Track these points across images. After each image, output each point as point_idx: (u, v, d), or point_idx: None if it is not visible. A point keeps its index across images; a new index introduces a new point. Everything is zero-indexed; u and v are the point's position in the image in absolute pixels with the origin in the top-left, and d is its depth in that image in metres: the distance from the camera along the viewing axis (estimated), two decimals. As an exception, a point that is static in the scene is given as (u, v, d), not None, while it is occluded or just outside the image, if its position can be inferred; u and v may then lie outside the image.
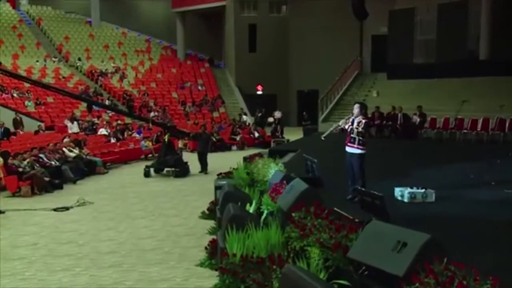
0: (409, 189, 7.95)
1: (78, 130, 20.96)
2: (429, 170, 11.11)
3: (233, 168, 11.89)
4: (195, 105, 33.00)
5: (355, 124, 8.10)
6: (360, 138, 7.99)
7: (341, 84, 28.45)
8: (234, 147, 23.69)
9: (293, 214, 6.19)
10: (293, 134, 24.65)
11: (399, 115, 19.58)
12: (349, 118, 8.32)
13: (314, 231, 5.51)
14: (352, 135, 8.06)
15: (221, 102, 34.45)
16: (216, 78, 38.96)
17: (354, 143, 8.04)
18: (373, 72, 30.12)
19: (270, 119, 34.51)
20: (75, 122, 21.39)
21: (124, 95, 32.62)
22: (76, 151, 15.85)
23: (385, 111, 20.59)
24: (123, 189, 13.62)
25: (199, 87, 36.64)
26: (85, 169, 15.34)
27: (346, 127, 8.19)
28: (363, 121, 8.08)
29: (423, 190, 7.95)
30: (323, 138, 8.70)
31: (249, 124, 28.36)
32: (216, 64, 42.01)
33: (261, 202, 7.83)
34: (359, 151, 8.04)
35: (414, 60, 26.01)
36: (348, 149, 8.15)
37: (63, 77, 33.73)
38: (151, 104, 31.76)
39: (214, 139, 23.10)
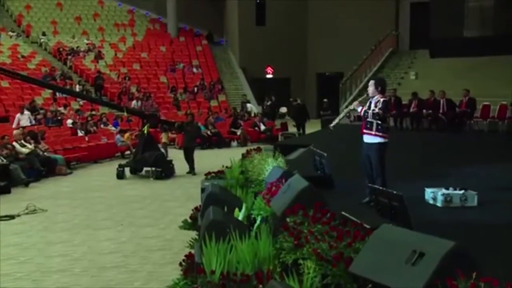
0: (443, 191, 7.76)
1: (29, 123, 20.81)
2: (473, 169, 10.90)
3: (226, 167, 11.84)
4: (188, 92, 32.99)
5: (372, 105, 7.87)
6: (378, 122, 7.77)
7: (370, 64, 28.29)
8: (234, 143, 23.64)
9: (288, 219, 6.10)
10: (309, 126, 24.49)
11: (442, 101, 19.31)
12: (365, 100, 8.11)
13: (310, 239, 5.38)
14: (368, 119, 7.85)
15: (221, 87, 34.38)
16: (215, 58, 39.04)
17: (371, 129, 7.86)
18: (411, 49, 29.98)
19: (283, 109, 34.55)
20: (26, 113, 21.27)
21: (98, 75, 32.59)
22: (31, 146, 15.78)
23: (425, 97, 20.33)
24: (87, 194, 13.62)
25: (194, 70, 36.69)
26: (41, 169, 15.28)
27: (359, 110, 7.97)
28: (381, 99, 7.87)
29: (462, 192, 7.76)
30: (331, 129, 8.49)
31: (254, 114, 28.21)
32: (216, 41, 42.08)
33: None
34: (378, 140, 7.86)
35: (464, 33, 25.74)
36: (365, 138, 8.00)
37: (23, 57, 33.92)
38: (133, 90, 31.82)
39: (209, 132, 23.00)
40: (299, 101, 26.01)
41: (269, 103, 30.32)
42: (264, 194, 7.70)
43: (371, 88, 7.99)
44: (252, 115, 28.59)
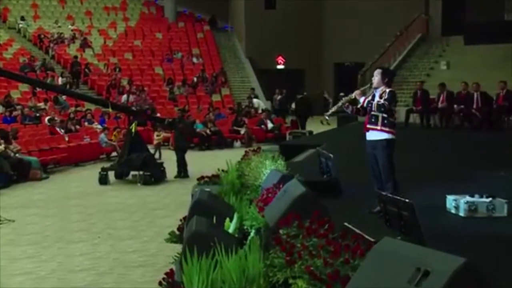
0: (467, 198, 7.62)
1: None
2: (507, 173, 10.70)
3: (222, 170, 11.78)
4: (187, 85, 32.96)
5: (376, 97, 7.78)
6: (384, 115, 7.68)
7: (395, 53, 28.10)
8: (237, 143, 23.59)
9: (281, 231, 6.06)
10: (323, 125, 24.45)
11: (476, 95, 19.13)
12: (368, 90, 8.01)
13: (304, 255, 5.34)
14: (373, 113, 7.77)
15: (224, 80, 34.35)
16: (219, 46, 39.04)
17: (376, 124, 7.80)
18: (443, 35, 29.75)
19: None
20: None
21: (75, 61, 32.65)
22: (1, 146, 15.82)
23: (457, 90, 20.16)
24: (63, 202, 13.68)
25: (194, 59, 36.71)
26: (11, 173, 15.33)
27: (361, 100, 7.87)
28: (387, 90, 7.79)
29: (489, 200, 7.60)
30: (326, 118, 8.44)
31: (262, 111, 28.11)
32: (219, 27, 42.07)
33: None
34: (384, 136, 7.78)
35: (506, 16, 25.55)
36: (369, 135, 7.93)
37: (-2, 44, 34.02)
38: (124, 83, 31.83)
39: (208, 131, 22.96)
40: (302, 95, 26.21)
41: (279, 97, 30.08)
42: (258, 201, 7.65)
43: (376, 78, 7.88)
44: (260, 111, 28.48)
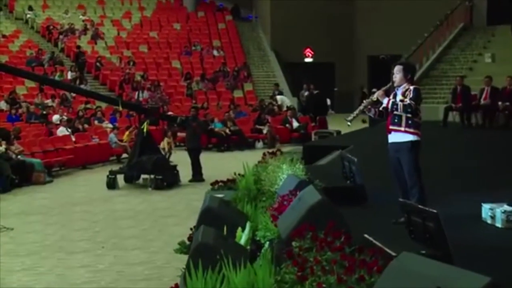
0: (505, 207, 7.51)
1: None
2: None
3: (239, 174, 11.78)
4: (207, 80, 32.99)
5: (399, 96, 7.68)
6: (409, 115, 7.63)
7: (434, 44, 27.87)
8: (259, 144, 23.50)
9: (293, 243, 6.06)
10: (354, 123, 24.24)
11: (523, 91, 18.96)
12: (390, 89, 7.90)
13: (317, 270, 5.33)
14: (396, 112, 7.68)
15: (247, 74, 34.33)
16: (242, 38, 39.09)
17: (400, 125, 7.75)
18: (489, 24, 29.43)
19: (327, 102, 34.35)
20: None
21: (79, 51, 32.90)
22: (1, 148, 15.91)
23: (502, 86, 19.96)
24: (68, 208, 13.70)
25: (215, 52, 36.80)
26: (12, 176, 15.34)
27: (385, 102, 7.76)
28: (411, 87, 7.70)
29: (530, 209, 7.49)
30: (348, 124, 8.28)
31: (287, 108, 28.00)
32: (243, 17, 42.08)
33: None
34: (409, 138, 7.73)
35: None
36: (392, 137, 7.86)
37: (4, 36, 34.35)
38: (139, 78, 31.95)
39: (227, 131, 22.93)
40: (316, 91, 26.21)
41: (306, 93, 29.93)
42: (272, 209, 7.62)
43: (398, 75, 7.82)
44: (284, 109, 28.36)
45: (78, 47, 34.00)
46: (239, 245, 7.13)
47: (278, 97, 30.31)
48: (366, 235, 6.20)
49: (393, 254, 5.50)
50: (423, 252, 5.66)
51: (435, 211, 5.66)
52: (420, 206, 6.23)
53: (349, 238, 5.76)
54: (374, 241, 6.02)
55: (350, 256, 5.33)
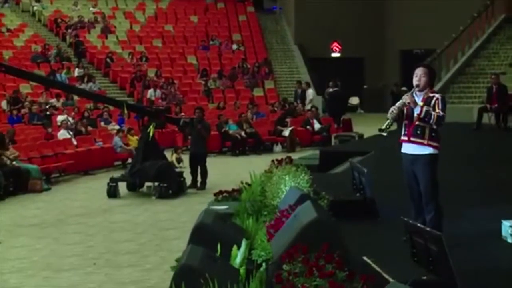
0: (528, 224, 7.36)
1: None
2: None
3: (246, 184, 11.85)
4: (225, 77, 32.92)
5: (419, 102, 7.48)
6: (434, 127, 7.49)
7: (471, 38, 27.60)
8: (278, 147, 23.37)
9: (284, 266, 6.08)
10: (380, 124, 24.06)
11: None
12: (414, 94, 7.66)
13: None
14: (419, 123, 7.46)
15: (269, 71, 34.20)
16: (264, 31, 39.10)
17: (423, 137, 7.58)
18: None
19: (354, 100, 34.17)
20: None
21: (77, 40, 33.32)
22: (-6, 152, 15.89)
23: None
24: (62, 219, 13.70)
25: (234, 46, 36.77)
26: (6, 184, 15.30)
27: (418, 110, 7.57)
28: (439, 97, 7.53)
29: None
30: (384, 134, 7.94)
31: (312, 108, 27.72)
32: (266, 8, 42.03)
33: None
34: (429, 151, 7.57)
35: None
36: (407, 148, 7.68)
37: (9, 30, 34.50)
38: (152, 75, 31.92)
39: (243, 133, 22.82)
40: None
41: (331, 90, 29.28)
42: (270, 227, 7.56)
43: (424, 79, 7.59)
44: (311, 107, 27.89)
45: (77, 35, 34.41)
46: (229, 267, 7.10)
47: (310, 91, 30.05)
48: (365, 257, 6.23)
49: (390, 279, 5.56)
50: (424, 278, 5.62)
51: (438, 232, 5.59)
52: (421, 226, 6.17)
53: (340, 261, 5.72)
54: (373, 264, 6.08)
55: (339, 284, 5.34)
